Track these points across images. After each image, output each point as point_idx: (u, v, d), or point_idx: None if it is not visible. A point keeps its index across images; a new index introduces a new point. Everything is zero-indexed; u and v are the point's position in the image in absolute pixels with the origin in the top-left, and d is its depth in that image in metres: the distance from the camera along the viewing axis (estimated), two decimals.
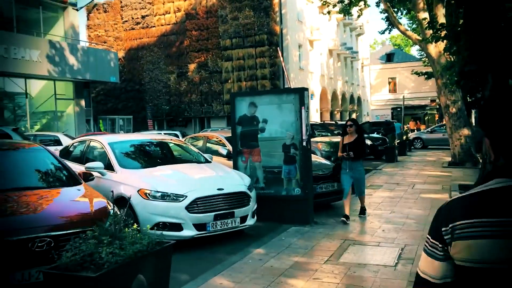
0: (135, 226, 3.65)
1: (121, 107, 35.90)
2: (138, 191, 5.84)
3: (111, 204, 4.50)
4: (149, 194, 5.76)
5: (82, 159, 7.23)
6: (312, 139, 15.41)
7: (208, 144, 9.71)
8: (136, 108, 35.52)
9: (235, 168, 7.49)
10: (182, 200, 5.71)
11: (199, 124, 34.76)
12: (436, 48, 15.89)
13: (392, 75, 62.73)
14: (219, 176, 6.21)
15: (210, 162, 7.24)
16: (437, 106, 59.64)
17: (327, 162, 8.92)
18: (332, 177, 8.33)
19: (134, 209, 5.76)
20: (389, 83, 63.34)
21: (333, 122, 22.66)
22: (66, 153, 7.83)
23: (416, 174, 13.67)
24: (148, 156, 6.83)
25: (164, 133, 24.10)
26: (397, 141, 20.50)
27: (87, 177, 5.55)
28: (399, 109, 61.83)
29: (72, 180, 5.31)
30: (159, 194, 5.76)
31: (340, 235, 6.56)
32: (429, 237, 1.28)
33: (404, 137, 21.88)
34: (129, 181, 6.07)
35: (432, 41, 12.68)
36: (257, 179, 7.39)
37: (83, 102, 26.26)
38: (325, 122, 23.24)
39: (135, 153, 6.96)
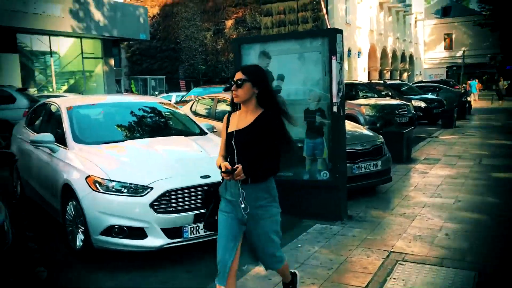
0: None
1: (156, 67, 34.49)
2: (86, 178, 4.05)
3: None
4: (100, 184, 3.97)
5: (38, 128, 5.54)
6: (354, 101, 13.19)
7: (218, 108, 7.78)
8: (172, 68, 33.99)
9: None
10: (146, 193, 3.88)
11: None
12: None
13: (448, 31, 57.76)
14: (209, 157, 4.31)
15: (205, 134, 5.33)
16: (497, 64, 54.76)
17: (369, 133, 6.77)
18: (376, 152, 6.24)
19: (81, 204, 4.01)
20: (445, 39, 58.46)
21: (381, 82, 20.07)
22: (30, 119, 6.17)
23: (481, 144, 11.24)
24: (119, 127, 5.01)
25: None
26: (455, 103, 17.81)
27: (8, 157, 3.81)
28: (455, 67, 57.26)
29: None
30: (113, 184, 3.95)
31: (383, 242, 4.56)
32: None
33: (465, 98, 19.00)
34: (79, 162, 4.28)
35: None
36: None
37: (112, 61, 24.84)
38: (372, 81, 20.67)
39: (101, 122, 5.16)
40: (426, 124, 16.90)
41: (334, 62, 4.94)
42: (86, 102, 5.56)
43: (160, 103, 5.81)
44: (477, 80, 34.34)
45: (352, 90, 14.23)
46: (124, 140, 4.69)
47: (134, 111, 5.30)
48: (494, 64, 54.64)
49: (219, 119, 7.54)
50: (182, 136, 4.96)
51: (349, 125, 7.03)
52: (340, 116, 5.10)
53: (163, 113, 5.60)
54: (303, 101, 5.23)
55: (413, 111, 12.70)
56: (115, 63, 27.04)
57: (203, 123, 5.81)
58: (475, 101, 30.45)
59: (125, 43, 33.47)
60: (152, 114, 5.39)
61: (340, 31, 5.07)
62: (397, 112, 11.82)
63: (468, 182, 7.13)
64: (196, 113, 8.18)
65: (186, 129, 5.45)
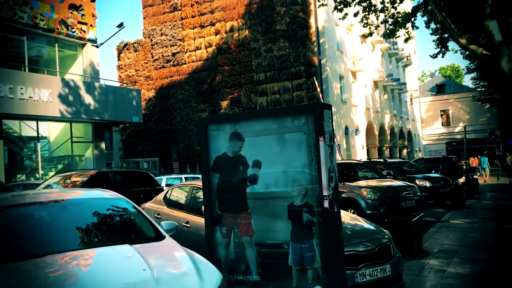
0: None
1: (152, 149, 33.86)
2: None
3: None
4: None
5: None
6: (354, 183, 12.06)
7: (195, 198, 6.61)
8: (167, 149, 33.32)
9: (209, 246, 4.36)
10: None
11: None
12: (510, 64, 12.37)
13: (445, 107, 58.26)
14: (153, 280, 3.10)
15: (162, 239, 4.15)
16: (497, 139, 54.47)
17: (372, 227, 5.56)
18: (383, 254, 5.00)
19: None
20: (442, 116, 58.75)
21: (381, 160, 19.10)
22: None
23: (500, 230, 9.94)
24: (43, 235, 3.80)
25: (185, 177, 21.40)
26: (461, 181, 16.72)
27: None
28: (454, 143, 56.97)
29: None
30: None
31: None
32: None
33: (472, 176, 17.89)
34: None
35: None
36: (247, 267, 4.22)
37: (103, 145, 24.10)
38: (371, 159, 19.73)
39: (22, 228, 3.99)
40: (433, 205, 15.66)
41: (322, 144, 3.89)
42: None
43: (108, 197, 4.65)
44: (474, 155, 33.55)
45: (350, 170, 13.19)
46: (44, 255, 3.48)
47: (69, 211, 4.15)
48: (494, 139, 54.43)
49: (194, 210, 6.39)
50: (126, 246, 3.75)
51: (347, 217, 5.86)
52: (333, 213, 3.96)
53: (110, 212, 4.43)
54: (286, 193, 4.11)
55: (419, 193, 11.53)
56: (106, 146, 26.34)
57: (166, 222, 4.64)
58: (486, 177, 29.34)
59: (120, 125, 33.16)
60: (93, 215, 4.22)
61: (328, 106, 4.09)
62: (402, 195, 10.67)
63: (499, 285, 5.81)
64: (170, 203, 7.04)
65: (137, 232, 4.27)
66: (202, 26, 33.25)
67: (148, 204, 7.63)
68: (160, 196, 7.44)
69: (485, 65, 34.61)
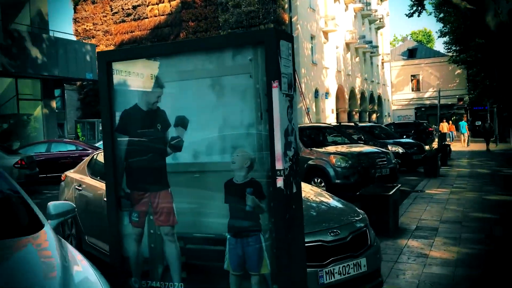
0: None
1: None
2: None
3: None
4: None
5: None
6: (322, 149, 10.86)
7: None
8: None
9: (113, 239, 3.04)
10: None
11: None
12: (496, 19, 11.22)
13: (415, 72, 57.72)
14: None
15: (38, 229, 2.79)
16: (465, 105, 54.63)
17: (342, 206, 4.32)
18: (357, 243, 3.79)
19: None
20: (412, 80, 58.27)
21: (352, 124, 18.02)
22: None
23: (480, 202, 9.02)
24: None
25: None
26: (434, 146, 15.86)
27: None
28: (423, 108, 56.79)
29: None
30: None
31: None
32: None
33: (444, 142, 17.07)
34: None
35: None
36: (166, 270, 2.93)
37: (54, 103, 22.12)
38: (342, 123, 18.63)
39: None
40: (405, 172, 14.76)
41: (276, 92, 2.56)
42: None
43: None
44: (445, 120, 33.00)
45: (319, 135, 12.01)
46: None
47: None
48: (462, 105, 54.57)
49: None
50: None
51: (311, 193, 4.61)
52: (290, 195, 2.67)
53: None
54: (223, 166, 2.79)
55: (394, 161, 10.50)
56: (59, 105, 24.33)
57: (57, 203, 3.26)
58: (465, 142, 28.77)
59: (78, 83, 30.94)
60: None
61: (288, 36, 2.74)
62: (375, 162, 9.57)
63: (489, 274, 4.76)
64: (95, 171, 5.62)
65: (6, 220, 2.89)
66: None
67: (69, 173, 6.20)
68: (84, 162, 6.00)
69: (460, 27, 33.75)
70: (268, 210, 2.67)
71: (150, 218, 2.96)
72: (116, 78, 2.99)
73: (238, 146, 2.73)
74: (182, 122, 2.84)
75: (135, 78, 2.99)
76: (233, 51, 2.74)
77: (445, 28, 40.71)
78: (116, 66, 2.98)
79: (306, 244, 3.14)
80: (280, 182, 2.58)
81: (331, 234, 3.64)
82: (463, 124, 29.43)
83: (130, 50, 2.99)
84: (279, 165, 2.57)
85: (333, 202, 4.42)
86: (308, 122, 25.08)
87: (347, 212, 4.17)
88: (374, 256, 3.88)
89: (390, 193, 6.44)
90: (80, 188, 5.55)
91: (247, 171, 2.70)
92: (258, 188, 2.69)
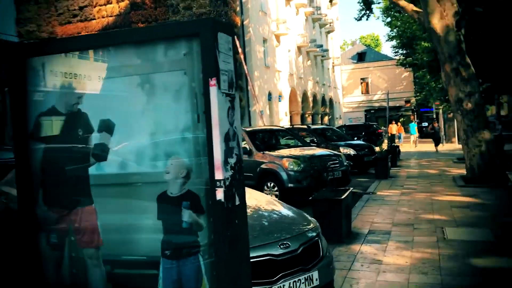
0: None
1: None
2: None
3: None
4: None
5: None
6: (275, 152, 10.62)
7: None
8: None
9: (29, 264, 2.61)
10: None
11: None
12: (442, 21, 11.45)
13: (364, 75, 59.17)
14: None
15: None
16: (412, 107, 56.51)
17: (293, 214, 4.05)
18: (309, 255, 3.53)
19: None
20: (361, 83, 59.70)
21: (304, 126, 18.01)
22: None
23: (431, 203, 9.07)
24: None
25: None
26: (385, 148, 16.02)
27: None
28: (372, 111, 58.26)
29: None
30: None
31: None
32: None
33: (393, 143, 17.33)
34: None
35: None
36: None
37: None
38: (294, 126, 18.60)
39: None
40: (357, 174, 14.85)
41: (215, 92, 2.24)
42: None
43: None
44: (394, 122, 33.80)
45: (271, 138, 11.80)
46: None
47: None
48: (409, 107, 56.45)
49: None
50: None
51: (260, 201, 4.33)
52: (232, 209, 2.36)
53: None
54: (155, 176, 2.43)
55: (345, 163, 10.44)
56: None
57: None
58: (415, 143, 29.46)
59: None
60: None
61: (227, 27, 2.42)
62: (328, 165, 9.44)
63: (445, 280, 4.65)
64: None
65: None
66: None
67: None
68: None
69: (406, 31, 34.78)
70: (208, 226, 2.34)
71: (71, 239, 2.56)
72: (31, 76, 2.57)
73: (172, 153, 2.39)
74: (107, 127, 2.46)
75: (52, 76, 2.59)
76: (165, 44, 2.39)
77: (392, 32, 41.95)
78: (34, 61, 2.56)
79: (253, 260, 2.85)
80: (220, 194, 2.26)
81: (281, 246, 3.36)
82: (413, 126, 30.28)
83: (47, 42, 2.56)
84: (218, 175, 2.25)
85: (284, 210, 4.15)
86: (262, 125, 24.96)
87: (298, 221, 3.91)
88: (327, 268, 3.64)
89: (343, 197, 6.27)
90: (6, 201, 4.99)
91: (183, 182, 2.37)
92: (195, 201, 2.36)
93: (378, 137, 25.62)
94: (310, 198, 6.43)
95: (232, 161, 2.36)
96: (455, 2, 11.54)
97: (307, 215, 4.07)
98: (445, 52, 11.59)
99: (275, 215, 4.04)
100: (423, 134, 40.05)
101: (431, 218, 7.59)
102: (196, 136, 2.34)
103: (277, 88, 32.44)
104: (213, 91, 2.23)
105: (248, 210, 3.75)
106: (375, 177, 13.40)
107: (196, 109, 2.31)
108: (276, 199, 4.66)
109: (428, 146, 28.15)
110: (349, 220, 6.74)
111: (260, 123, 25.67)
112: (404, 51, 40.24)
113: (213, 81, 2.23)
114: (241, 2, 28.83)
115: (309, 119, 39.58)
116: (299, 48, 38.20)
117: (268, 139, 11.72)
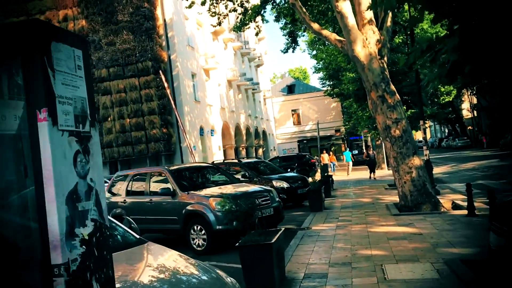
0: None
1: None
2: None
3: None
4: None
5: None
6: (202, 192, 9.77)
7: None
8: None
9: None
10: None
11: None
12: (365, 49, 11.45)
13: (295, 107, 60.31)
14: None
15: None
16: (342, 136, 58.09)
17: (208, 279, 3.30)
18: None
19: None
20: (293, 115, 60.71)
21: (236, 161, 17.39)
22: None
23: (368, 236, 8.64)
24: None
25: None
26: (318, 178, 15.71)
27: None
28: (305, 141, 59.22)
29: None
30: None
31: None
32: None
33: (327, 173, 17.09)
34: None
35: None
36: None
37: None
38: (225, 161, 17.92)
39: None
40: (291, 207, 14.35)
41: (46, 130, 1.49)
42: None
43: None
44: (325, 151, 34.23)
45: (199, 176, 11.01)
46: None
47: None
48: (339, 136, 57.96)
49: None
50: None
51: (170, 264, 3.53)
52: None
53: None
54: None
55: (277, 199, 9.84)
56: None
57: None
58: (349, 171, 29.48)
59: None
60: None
61: (71, 36, 1.70)
62: (257, 202, 8.79)
63: None
64: None
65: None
66: (29, 14, 28.26)
67: None
68: None
69: (331, 63, 35.78)
70: None
71: None
72: None
73: None
74: None
75: None
76: None
77: (318, 64, 43.13)
78: None
79: None
80: (59, 285, 1.48)
81: None
82: (348, 154, 30.70)
83: None
84: (56, 257, 1.48)
85: (196, 274, 3.37)
86: (193, 161, 24.05)
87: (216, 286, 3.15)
88: None
89: (273, 240, 5.60)
90: None
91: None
92: None
93: (311, 167, 25.60)
94: (237, 244, 5.69)
95: (85, 231, 1.60)
96: (376, 30, 11.62)
97: (225, 278, 3.33)
98: (370, 80, 11.55)
99: (184, 284, 3.25)
100: (355, 161, 40.87)
101: (369, 254, 7.11)
102: (25, 195, 1.57)
103: (209, 122, 31.83)
104: (43, 128, 1.48)
105: (152, 279, 2.96)
106: (310, 209, 12.93)
107: (22, 160, 1.55)
108: (191, 258, 3.86)
109: (361, 174, 28.51)
110: (282, 265, 6.07)
111: (190, 159, 24.79)
112: (331, 82, 41.39)
113: (42, 115, 1.48)
114: (166, 37, 28.25)
115: (243, 152, 39.18)
116: (229, 82, 38.05)
117: (196, 177, 10.92)
